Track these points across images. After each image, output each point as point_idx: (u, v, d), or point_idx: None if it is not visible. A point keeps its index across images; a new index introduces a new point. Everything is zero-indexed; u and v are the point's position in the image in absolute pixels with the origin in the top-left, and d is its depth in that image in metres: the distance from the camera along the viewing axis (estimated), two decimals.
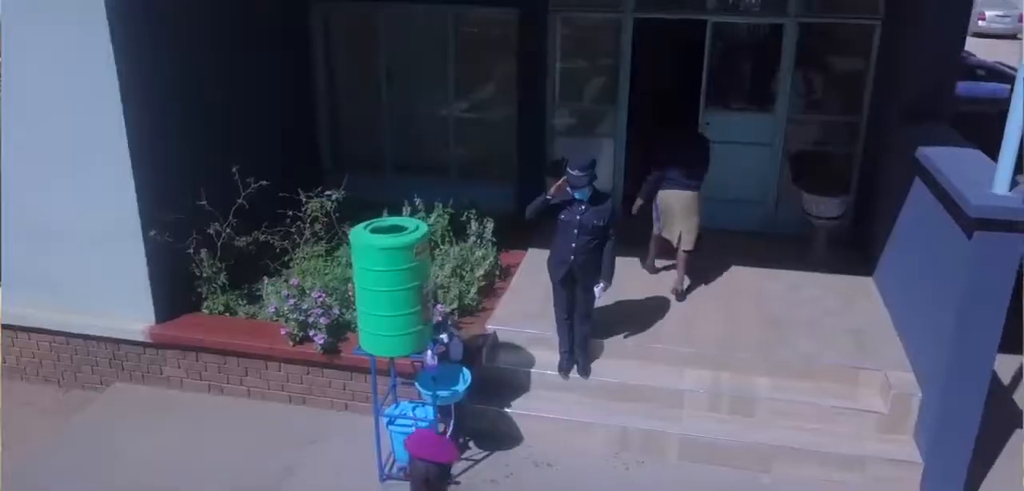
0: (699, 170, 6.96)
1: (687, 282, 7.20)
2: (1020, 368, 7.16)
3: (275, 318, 6.45)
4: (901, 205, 6.49)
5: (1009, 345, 6.74)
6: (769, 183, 8.36)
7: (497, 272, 7.38)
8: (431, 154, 9.22)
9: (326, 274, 6.81)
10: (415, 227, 5.23)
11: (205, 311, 6.76)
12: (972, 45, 20.25)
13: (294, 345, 6.28)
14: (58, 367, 6.97)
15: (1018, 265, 4.86)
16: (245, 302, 6.82)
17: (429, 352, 5.43)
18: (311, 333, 6.19)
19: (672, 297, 7.02)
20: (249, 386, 6.60)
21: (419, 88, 9.05)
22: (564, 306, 6.04)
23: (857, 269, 7.46)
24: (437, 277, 6.74)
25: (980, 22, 26.25)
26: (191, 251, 6.57)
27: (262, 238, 6.86)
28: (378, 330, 5.23)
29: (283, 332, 6.31)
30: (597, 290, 5.87)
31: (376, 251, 5.03)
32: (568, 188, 5.65)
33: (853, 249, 7.83)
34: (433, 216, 7.58)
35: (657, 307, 6.88)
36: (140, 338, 6.60)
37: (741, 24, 8.26)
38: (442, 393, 5.53)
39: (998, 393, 6.72)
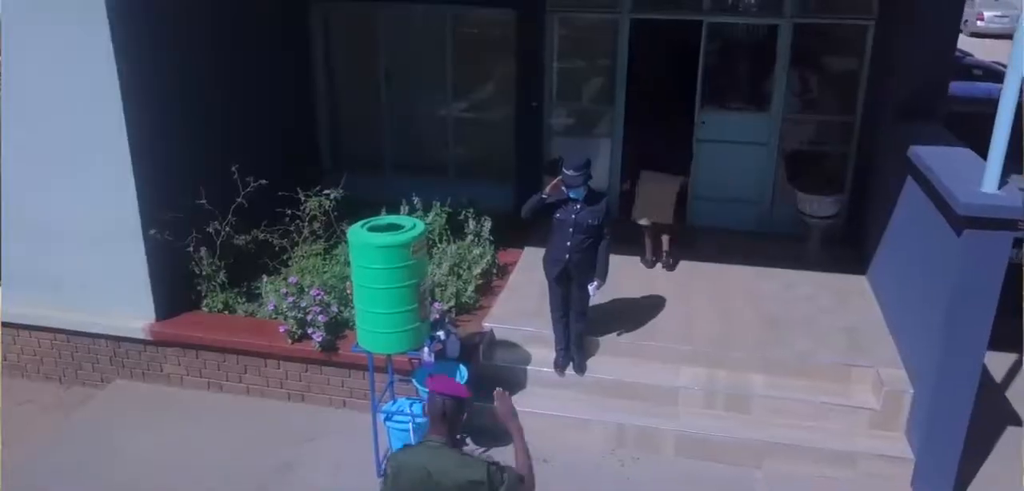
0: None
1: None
2: (1013, 365, 7.23)
3: (274, 316, 6.51)
4: (894, 204, 6.56)
5: (1002, 343, 6.84)
6: (765, 182, 8.42)
7: (494, 270, 7.44)
8: (430, 153, 9.29)
9: (325, 272, 6.88)
10: (412, 225, 5.29)
11: (205, 309, 6.82)
12: (970, 45, 20.35)
13: (293, 343, 6.35)
14: (59, 364, 7.03)
15: (1007, 262, 4.92)
16: (244, 300, 6.88)
17: (426, 349, 5.50)
18: (309, 331, 6.26)
19: (668, 293, 7.09)
20: (248, 383, 6.66)
21: (418, 88, 9.12)
22: (560, 304, 6.10)
23: (851, 268, 7.53)
24: (435, 275, 6.81)
25: (979, 22, 26.29)
26: (191, 249, 6.64)
27: (261, 237, 6.93)
28: (375, 327, 5.29)
29: (282, 330, 6.37)
30: (591, 288, 5.93)
31: (373, 249, 5.09)
32: (563, 187, 5.71)
33: (847, 248, 7.90)
34: (431, 215, 7.65)
35: (653, 305, 6.94)
36: (140, 336, 6.66)
37: (736, 25, 8.31)
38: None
39: (991, 390, 6.80)
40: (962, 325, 5.08)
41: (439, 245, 7.41)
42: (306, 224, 7.03)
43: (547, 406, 6.14)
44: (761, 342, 6.40)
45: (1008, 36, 25.02)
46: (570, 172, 5.64)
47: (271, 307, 6.52)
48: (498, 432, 5.91)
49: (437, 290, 6.70)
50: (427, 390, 3.57)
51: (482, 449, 6.04)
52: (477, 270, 7.12)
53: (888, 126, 7.09)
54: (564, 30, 8.46)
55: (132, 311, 6.61)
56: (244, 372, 6.63)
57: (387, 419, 5.74)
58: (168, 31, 6.46)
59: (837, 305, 6.93)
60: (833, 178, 8.03)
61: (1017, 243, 7.98)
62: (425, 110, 9.18)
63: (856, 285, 7.28)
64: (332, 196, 7.08)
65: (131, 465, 5.92)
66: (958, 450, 5.41)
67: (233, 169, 6.62)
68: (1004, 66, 4.86)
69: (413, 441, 5.66)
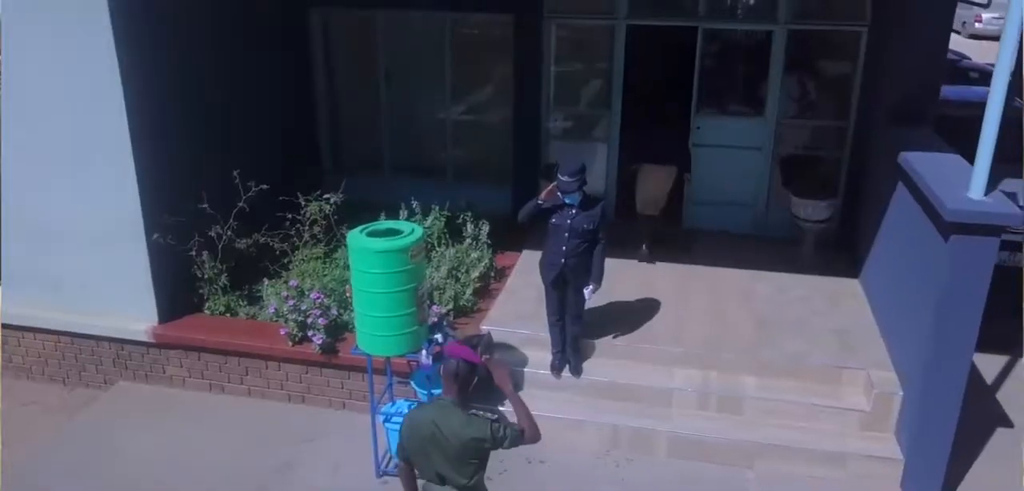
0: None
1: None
2: (1005, 367, 7.33)
3: (275, 319, 6.62)
4: (885, 208, 6.66)
5: (997, 345, 6.95)
6: (760, 187, 8.52)
7: (492, 273, 7.54)
8: (429, 156, 9.39)
9: (324, 275, 6.97)
10: (410, 231, 5.39)
11: (206, 312, 6.93)
12: (968, 47, 20.45)
13: (293, 345, 6.45)
14: (63, 366, 7.13)
15: (993, 267, 5.01)
16: (245, 303, 6.99)
17: (424, 352, 5.59)
18: (310, 333, 6.36)
19: (663, 296, 7.19)
20: (249, 385, 6.76)
21: (417, 91, 9.22)
22: (556, 308, 6.20)
23: (844, 271, 7.63)
24: (433, 278, 6.90)
25: (977, 24, 26.37)
26: (193, 253, 6.74)
27: (262, 240, 7.02)
28: (374, 331, 5.39)
29: (282, 332, 6.48)
30: (587, 292, 6.03)
31: (372, 254, 5.20)
32: (558, 193, 5.80)
33: (841, 251, 8.00)
34: (430, 218, 7.74)
35: (647, 308, 7.04)
36: (143, 338, 6.76)
37: (732, 30, 8.40)
38: (437, 392, 5.68)
39: (982, 392, 6.90)
40: (950, 328, 5.17)
41: (438, 248, 7.51)
42: (306, 228, 7.12)
43: (543, 407, 6.18)
44: (754, 344, 6.49)
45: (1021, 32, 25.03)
46: (565, 178, 5.73)
47: (272, 310, 6.62)
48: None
49: (435, 293, 6.80)
50: (445, 354, 3.94)
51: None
52: (475, 273, 7.22)
53: (880, 131, 7.18)
54: (561, 35, 8.56)
55: (135, 314, 6.72)
56: (245, 374, 6.73)
57: (386, 420, 5.83)
58: (169, 34, 6.56)
59: (829, 308, 7.03)
60: (827, 182, 8.13)
61: (1017, 247, 8.13)
62: (424, 113, 9.28)
63: (848, 288, 7.38)
64: (332, 200, 7.17)
65: (134, 465, 6.03)
66: (946, 451, 5.50)
67: (235, 173, 6.73)
68: None
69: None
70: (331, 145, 9.63)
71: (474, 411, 3.94)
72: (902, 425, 5.81)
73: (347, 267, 6.88)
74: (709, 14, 8.16)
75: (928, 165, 5.70)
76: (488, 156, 9.23)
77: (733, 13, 8.30)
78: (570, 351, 6.35)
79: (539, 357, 6.47)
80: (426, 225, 7.54)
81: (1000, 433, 6.42)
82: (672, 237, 8.47)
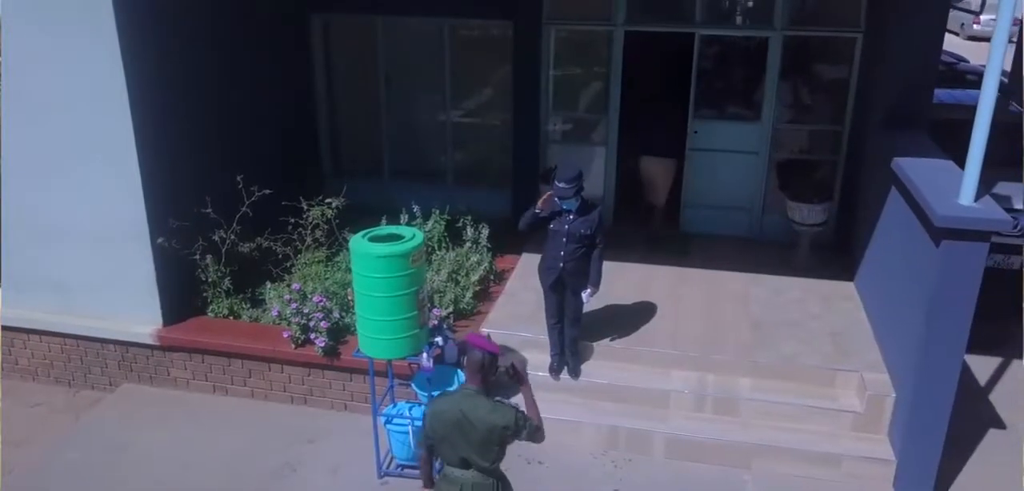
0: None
1: None
2: (997, 369, 7.42)
3: (278, 322, 6.72)
4: (879, 212, 6.76)
5: (984, 346, 7.05)
6: (756, 191, 8.62)
7: (492, 277, 7.64)
8: (429, 160, 9.50)
9: (326, 279, 7.06)
10: (411, 236, 5.49)
11: (210, 315, 7.02)
12: (966, 49, 20.51)
13: (296, 348, 6.54)
14: (69, 369, 7.23)
15: (982, 271, 5.10)
16: (248, 306, 7.08)
17: (425, 354, 5.69)
18: (312, 336, 6.46)
19: (660, 299, 7.29)
20: (252, 387, 6.86)
21: (417, 96, 9.33)
22: (554, 311, 6.29)
23: (839, 274, 7.73)
24: (434, 282, 7.00)
25: (975, 26, 26.47)
26: (197, 257, 6.83)
27: (265, 244, 7.11)
28: (376, 334, 5.48)
29: (285, 335, 6.57)
30: (585, 295, 6.13)
31: (374, 259, 5.29)
32: (556, 199, 5.89)
33: (836, 254, 8.11)
34: (430, 222, 7.83)
35: (645, 310, 7.13)
36: (148, 341, 6.86)
37: (728, 36, 8.50)
38: (436, 394, 5.78)
39: (975, 394, 7.00)
40: (940, 331, 5.27)
41: (438, 252, 7.60)
42: (308, 232, 7.21)
43: (542, 409, 6.18)
44: (750, 346, 6.59)
45: (1010, 40, 25.15)
46: (562, 184, 5.82)
47: (275, 313, 6.72)
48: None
49: (436, 296, 6.89)
50: (468, 344, 4.23)
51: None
52: (475, 277, 7.31)
53: (875, 135, 7.28)
54: (560, 41, 8.66)
55: (140, 317, 6.81)
56: (249, 376, 6.82)
57: (387, 422, 5.93)
58: (173, 40, 6.65)
59: (824, 310, 7.13)
60: (822, 186, 8.22)
61: (1011, 249, 8.22)
62: (424, 117, 9.39)
63: (843, 291, 7.48)
64: (334, 205, 7.27)
65: (139, 465, 6.13)
66: (938, 452, 5.60)
67: (238, 178, 6.82)
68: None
69: (412, 444, 5.88)
70: (331, 149, 9.74)
71: (498, 400, 4.21)
72: (895, 426, 5.91)
73: (348, 270, 7.00)
74: (706, 20, 8.25)
75: (920, 171, 5.80)
76: (488, 160, 9.34)
77: (730, 19, 8.40)
78: (569, 353, 6.45)
79: (538, 359, 6.57)
80: (426, 229, 7.64)
81: (992, 434, 6.52)
82: (669, 240, 8.58)
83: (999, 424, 6.65)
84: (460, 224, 7.84)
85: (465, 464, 4.12)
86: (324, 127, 9.61)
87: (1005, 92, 11.06)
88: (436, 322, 6.38)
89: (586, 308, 6.34)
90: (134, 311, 6.80)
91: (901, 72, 7.04)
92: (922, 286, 5.44)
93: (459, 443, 4.06)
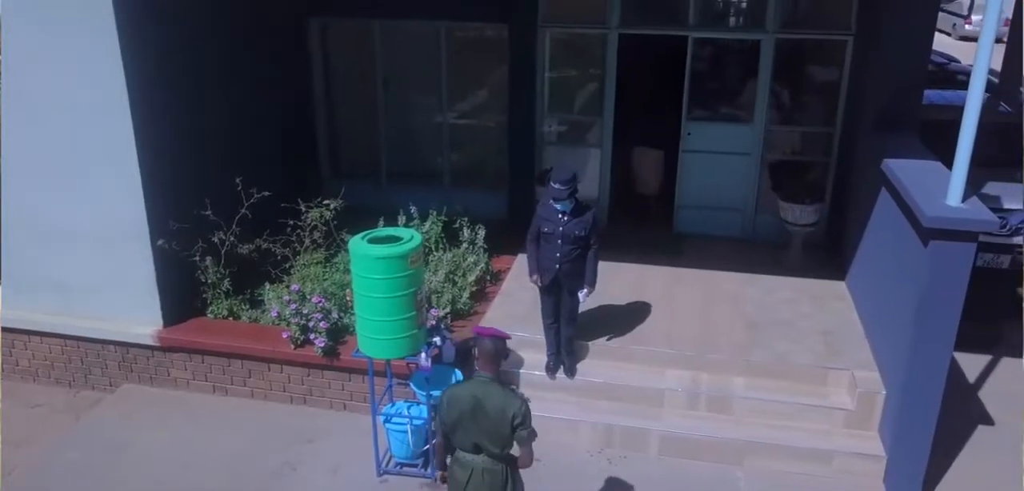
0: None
1: None
2: (986, 368, 7.54)
3: (277, 322, 6.79)
4: (870, 213, 6.86)
5: (973, 344, 7.16)
6: (748, 191, 8.73)
7: (488, 277, 7.72)
8: (426, 161, 9.58)
9: (325, 280, 7.13)
10: (409, 237, 5.57)
11: (210, 316, 7.09)
12: (957, 49, 20.65)
13: (296, 348, 6.62)
14: (69, 369, 7.29)
15: (970, 271, 5.20)
16: (247, 307, 7.14)
17: (423, 354, 5.77)
18: (312, 336, 6.53)
19: (654, 298, 7.39)
20: (252, 387, 6.93)
21: (414, 98, 9.41)
22: (550, 311, 6.38)
23: (831, 273, 7.84)
24: (431, 282, 7.08)
25: (966, 26, 26.61)
26: (196, 258, 6.90)
27: (264, 246, 7.18)
28: (375, 334, 5.56)
29: (285, 336, 6.64)
30: (581, 295, 6.22)
31: (373, 260, 5.37)
32: (551, 200, 5.98)
33: (827, 254, 8.22)
34: (428, 223, 7.91)
35: (639, 310, 7.23)
36: (148, 342, 6.92)
37: (721, 39, 8.60)
38: (436, 393, 5.87)
39: (964, 390, 7.11)
40: (929, 330, 5.37)
41: (435, 253, 7.67)
42: (307, 234, 7.29)
43: (538, 408, 6.30)
44: (743, 345, 6.69)
45: (997, 39, 25.31)
46: (556, 186, 5.91)
47: (274, 314, 6.79)
48: None
49: (433, 297, 6.97)
50: (477, 337, 4.43)
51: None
52: (471, 277, 7.39)
53: (865, 136, 7.39)
54: (555, 44, 8.75)
55: (141, 318, 6.88)
56: (248, 376, 6.90)
57: (386, 421, 6.02)
58: (173, 43, 6.71)
59: (816, 310, 7.23)
60: (814, 187, 8.33)
61: (999, 249, 8.35)
62: (421, 120, 9.47)
63: (835, 290, 7.58)
64: (332, 206, 7.34)
65: (140, 465, 6.20)
66: (927, 448, 5.70)
67: (237, 181, 6.89)
68: (989, 72, 5.13)
69: (411, 443, 5.96)
70: (329, 151, 9.81)
71: (511, 387, 4.54)
72: (885, 423, 6.02)
73: (347, 271, 7.08)
74: (699, 23, 8.35)
75: (909, 172, 5.90)
76: (484, 161, 9.42)
77: (722, 22, 8.50)
78: (564, 353, 6.54)
79: (534, 359, 6.66)
80: (424, 230, 7.71)
81: (981, 430, 6.63)
82: (664, 241, 8.68)
83: (988, 420, 6.76)
84: (457, 225, 7.92)
85: (477, 449, 4.29)
86: (322, 129, 9.68)
87: (994, 92, 11.19)
88: (434, 322, 6.47)
89: (582, 308, 6.43)
90: (134, 312, 6.87)
91: (891, 74, 7.14)
92: (912, 285, 5.54)
93: (472, 429, 4.22)
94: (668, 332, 6.89)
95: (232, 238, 6.99)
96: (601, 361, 6.68)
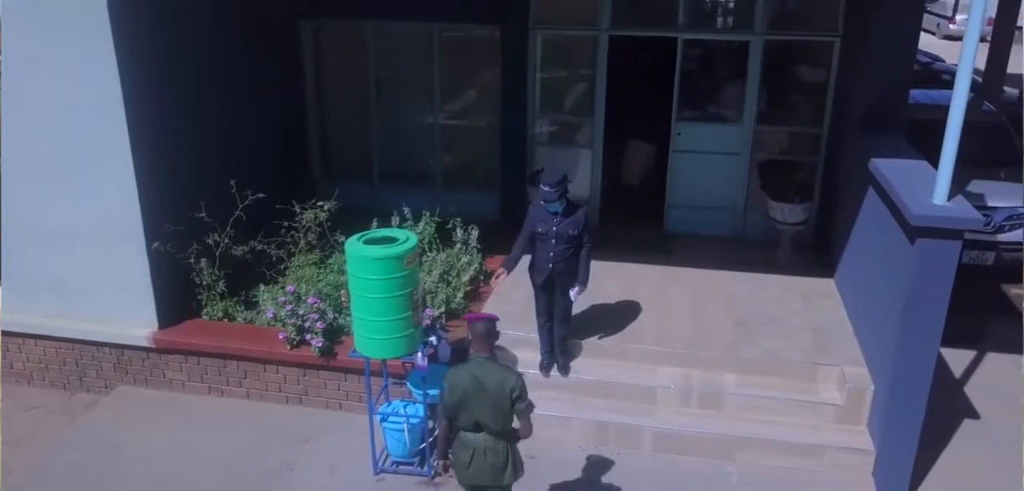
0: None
1: None
2: (972, 363, 7.68)
3: (273, 323, 6.83)
4: (857, 212, 6.97)
5: (957, 341, 7.29)
6: (738, 191, 8.84)
7: (482, 277, 7.78)
8: (418, 162, 9.63)
9: (319, 280, 7.18)
10: (405, 238, 5.64)
11: (205, 317, 7.12)
12: (941, 48, 20.89)
13: (292, 349, 6.66)
14: (64, 372, 7.30)
15: (956, 268, 5.31)
16: (242, 308, 7.18)
17: (420, 353, 5.83)
18: (308, 337, 6.58)
19: (646, 297, 7.48)
20: (248, 388, 6.97)
21: (406, 99, 9.46)
22: (544, 310, 6.46)
23: (819, 271, 7.96)
24: (425, 282, 7.13)
25: (951, 26, 26.90)
26: (192, 260, 6.93)
27: (258, 247, 7.21)
28: (372, 334, 5.62)
29: (281, 336, 6.68)
30: (572, 293, 6.29)
31: (370, 261, 5.43)
32: (542, 202, 6.05)
33: (816, 252, 8.34)
34: (421, 224, 7.97)
35: (631, 309, 7.31)
36: (144, 343, 6.96)
37: (710, 41, 8.71)
38: (432, 392, 5.94)
39: (950, 386, 7.23)
40: (916, 326, 5.46)
41: (429, 253, 7.73)
42: (302, 235, 7.33)
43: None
44: (733, 343, 6.79)
45: (981, 38, 25.58)
46: (546, 189, 5.98)
47: (270, 315, 6.84)
48: None
49: (428, 297, 7.03)
50: (469, 323, 4.74)
51: None
52: (465, 277, 7.46)
53: (853, 136, 7.50)
54: (547, 45, 8.83)
55: (136, 320, 6.91)
56: (244, 377, 6.94)
57: (383, 420, 6.08)
58: (168, 46, 6.75)
59: (805, 307, 7.34)
60: (802, 186, 8.45)
61: (985, 246, 8.49)
62: (413, 121, 9.53)
63: (823, 288, 7.70)
64: (326, 207, 7.39)
65: (137, 464, 6.23)
66: (915, 442, 5.80)
67: (231, 183, 6.93)
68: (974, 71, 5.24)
69: (407, 441, 6.03)
70: (321, 153, 9.85)
71: (505, 365, 4.80)
72: (874, 417, 6.13)
73: (341, 272, 7.15)
74: (689, 25, 8.45)
75: (895, 171, 6.00)
76: (476, 162, 9.49)
77: (712, 24, 8.60)
78: (558, 351, 6.61)
79: (528, 357, 6.73)
80: (417, 230, 7.77)
81: (967, 424, 6.75)
82: (654, 240, 8.78)
83: (974, 415, 6.88)
84: (450, 226, 7.97)
85: (478, 428, 4.52)
86: (315, 131, 9.72)
87: (978, 91, 11.35)
88: (429, 322, 6.53)
89: (575, 307, 6.51)
90: (130, 314, 6.90)
91: (878, 75, 7.26)
92: (899, 282, 5.65)
93: (474, 407, 4.46)
94: (660, 330, 6.98)
95: (227, 240, 7.03)
96: (594, 359, 6.76)
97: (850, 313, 7.13)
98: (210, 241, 6.98)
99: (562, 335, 6.56)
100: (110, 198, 6.55)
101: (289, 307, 6.66)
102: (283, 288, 6.96)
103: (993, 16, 13.12)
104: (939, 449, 6.39)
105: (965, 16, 25.90)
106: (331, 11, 9.12)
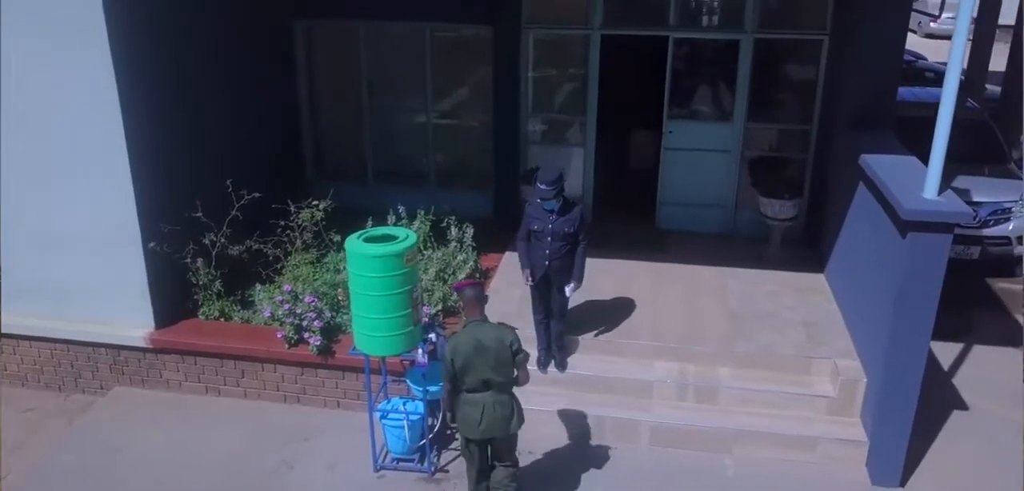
0: None
1: None
2: (957, 355, 7.81)
3: (270, 322, 6.85)
4: (848, 207, 7.08)
5: (943, 334, 7.41)
6: (729, 188, 8.94)
7: (477, 275, 7.82)
8: (411, 162, 9.66)
9: (315, 279, 7.20)
10: (405, 236, 5.68)
11: (201, 317, 7.12)
12: (924, 46, 21.12)
13: (290, 347, 6.68)
14: (59, 373, 7.28)
15: (946, 261, 5.41)
16: (239, 308, 7.19)
17: (420, 350, 5.88)
18: (306, 335, 6.60)
19: (641, 293, 7.56)
20: (245, 387, 6.98)
21: (399, 99, 9.49)
22: (541, 307, 6.51)
23: (810, 266, 8.06)
24: (422, 281, 7.16)
25: (932, 24, 27.21)
26: (188, 260, 6.93)
27: (254, 247, 7.22)
28: (372, 332, 5.66)
29: (279, 335, 6.70)
30: (568, 290, 6.34)
31: (371, 259, 5.47)
32: (538, 200, 6.11)
33: (806, 248, 8.45)
34: (416, 223, 8.00)
35: (627, 305, 7.38)
36: (140, 344, 6.95)
37: (700, 39, 8.80)
38: (432, 389, 5.99)
39: (939, 378, 7.36)
40: (908, 318, 5.57)
41: (425, 252, 7.77)
42: (298, 235, 7.35)
43: (530, 402, 6.46)
44: (727, 337, 6.87)
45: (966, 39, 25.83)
46: (543, 187, 6.04)
47: (267, 314, 6.85)
48: None
49: (425, 294, 7.06)
50: (458, 291, 5.25)
51: None
52: (462, 275, 7.49)
53: (841, 133, 7.61)
54: (539, 45, 8.89)
55: (132, 320, 6.90)
56: (242, 377, 6.94)
57: (383, 417, 6.11)
58: (163, 48, 6.75)
59: (797, 302, 7.44)
60: (792, 183, 8.55)
61: (969, 240, 8.63)
62: (406, 120, 9.56)
63: (814, 283, 7.80)
64: (322, 207, 7.41)
65: (137, 466, 6.23)
66: (907, 432, 5.91)
67: (227, 183, 6.94)
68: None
69: (407, 437, 6.07)
70: (315, 153, 9.86)
71: (499, 322, 5.25)
72: (866, 409, 6.23)
73: (338, 271, 7.18)
74: (679, 24, 8.54)
75: (886, 167, 6.11)
76: (469, 162, 9.54)
77: (702, 23, 8.69)
78: (555, 348, 6.67)
79: None
80: (413, 229, 7.79)
81: (957, 415, 6.87)
82: (647, 237, 8.86)
83: (962, 406, 7.01)
84: (444, 224, 8.01)
85: (485, 386, 4.96)
86: (307, 131, 9.73)
87: (961, 88, 11.49)
88: (427, 320, 6.56)
89: (571, 303, 6.57)
90: (126, 315, 6.89)
91: (865, 73, 7.37)
92: (890, 276, 5.75)
93: (479, 366, 4.90)
94: (655, 326, 7.06)
95: (223, 240, 7.03)
96: (591, 355, 6.83)
97: (841, 307, 7.24)
98: (206, 241, 6.99)
99: (559, 331, 6.62)
100: (106, 198, 6.54)
101: (287, 306, 6.68)
102: (280, 287, 6.97)
103: (975, 15, 13.33)
104: (930, 440, 6.51)
105: (951, 15, 26.27)
106: (324, 11, 9.13)
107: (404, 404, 6.22)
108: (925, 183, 5.45)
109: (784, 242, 8.43)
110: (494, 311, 7.19)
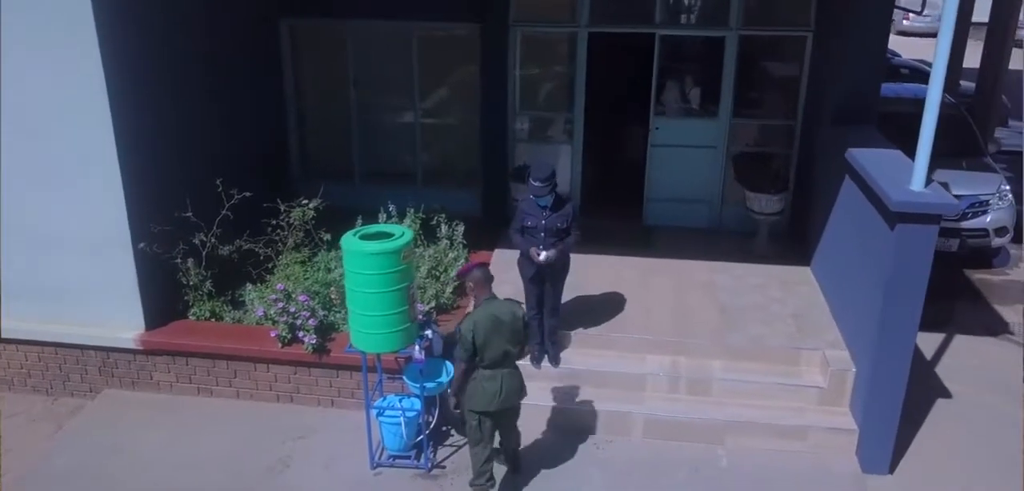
0: None
1: None
2: (939, 345, 7.98)
3: (263, 322, 6.82)
4: (833, 201, 7.19)
5: (925, 325, 7.54)
6: (715, 183, 9.04)
7: None
8: (398, 161, 9.66)
9: (306, 278, 7.18)
10: (400, 233, 5.70)
11: (192, 317, 7.07)
12: (898, 44, 21.45)
13: (283, 347, 6.66)
14: (46, 377, 7.19)
15: (933, 251, 5.53)
16: (230, 308, 7.16)
17: (417, 347, 5.90)
18: (300, 334, 6.59)
19: (631, 288, 7.62)
20: (238, 387, 6.95)
21: (386, 98, 9.48)
22: (534, 302, 6.55)
23: (796, 259, 8.18)
24: (416, 278, 7.18)
25: (904, 22, 27.62)
26: (178, 261, 6.89)
27: (244, 247, 7.19)
28: (369, 329, 5.67)
29: (273, 335, 6.68)
30: (544, 255, 6.19)
31: (368, 256, 5.49)
32: (531, 197, 6.15)
33: (792, 241, 8.57)
34: (406, 221, 7.99)
35: (618, 300, 7.45)
36: (131, 346, 6.88)
37: (686, 36, 8.88)
38: (429, 385, 6.01)
39: (923, 367, 7.51)
40: (896, 308, 5.68)
41: (416, 250, 7.76)
42: (290, 234, 7.33)
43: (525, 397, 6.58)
44: (718, 330, 6.97)
45: (932, 34, 26.28)
46: (536, 183, 6.09)
47: (260, 313, 6.83)
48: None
49: (418, 292, 7.07)
50: (463, 273, 5.72)
51: (465, 439, 6.46)
52: (453, 272, 7.51)
53: (826, 128, 7.73)
54: (526, 43, 8.92)
55: (122, 322, 6.84)
56: (234, 377, 6.91)
57: (379, 414, 6.12)
58: (152, 49, 6.69)
59: (785, 294, 7.55)
60: (778, 177, 8.67)
61: (949, 232, 8.79)
62: (393, 119, 9.55)
63: (801, 275, 7.92)
64: (311, 206, 7.39)
65: (132, 468, 6.19)
66: (896, 421, 6.03)
67: (218, 182, 6.91)
68: (930, 65, 5.47)
69: (404, 434, 6.09)
70: (301, 152, 9.82)
71: (508, 298, 5.58)
72: (856, 399, 6.34)
73: (329, 270, 7.18)
74: (666, 22, 8.62)
75: (873, 161, 6.23)
76: (457, 160, 9.55)
77: (688, 20, 8.78)
78: (548, 342, 6.72)
79: None
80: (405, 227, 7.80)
81: (941, 403, 7.03)
82: (634, 233, 8.94)
83: (946, 394, 7.16)
84: (434, 222, 8.02)
85: (505, 356, 5.35)
86: (294, 130, 9.69)
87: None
88: (422, 317, 6.58)
89: (564, 298, 6.62)
90: (116, 316, 6.83)
91: (849, 69, 7.49)
92: (878, 267, 5.86)
93: (498, 340, 5.27)
94: (646, 320, 7.13)
95: (213, 240, 7.00)
96: (584, 349, 6.88)
97: (828, 299, 7.36)
98: (196, 241, 6.94)
99: (552, 326, 6.67)
100: (95, 199, 6.47)
101: (280, 305, 6.66)
102: (272, 287, 6.94)
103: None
104: (916, 427, 6.65)
105: (930, 13, 26.61)
106: (310, 10, 9.10)
107: (400, 401, 6.23)
108: (912, 176, 5.56)
109: (770, 236, 8.55)
110: None
